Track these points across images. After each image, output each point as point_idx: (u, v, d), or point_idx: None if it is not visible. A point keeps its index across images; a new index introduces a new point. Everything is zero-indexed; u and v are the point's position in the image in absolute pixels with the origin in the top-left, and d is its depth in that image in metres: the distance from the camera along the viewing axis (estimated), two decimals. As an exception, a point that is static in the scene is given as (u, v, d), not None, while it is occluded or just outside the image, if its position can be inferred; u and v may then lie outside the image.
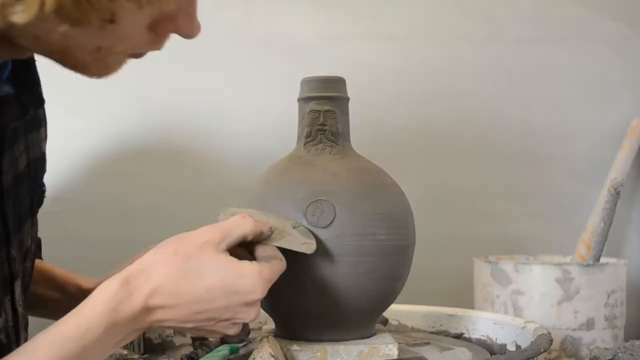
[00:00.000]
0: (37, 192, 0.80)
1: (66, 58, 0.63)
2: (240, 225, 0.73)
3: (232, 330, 0.71)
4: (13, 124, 0.71)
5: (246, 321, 0.70)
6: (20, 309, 0.77)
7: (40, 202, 0.82)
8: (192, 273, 0.67)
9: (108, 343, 0.65)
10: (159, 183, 1.39)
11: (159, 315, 0.66)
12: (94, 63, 0.64)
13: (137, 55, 0.67)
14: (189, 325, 0.68)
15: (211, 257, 0.68)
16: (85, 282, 0.97)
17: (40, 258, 0.93)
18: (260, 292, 0.69)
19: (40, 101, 0.76)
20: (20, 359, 0.60)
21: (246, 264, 0.69)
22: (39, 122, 0.79)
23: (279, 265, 0.73)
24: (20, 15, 0.54)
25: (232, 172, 1.39)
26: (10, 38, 0.60)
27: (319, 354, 0.82)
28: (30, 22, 0.55)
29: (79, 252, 1.32)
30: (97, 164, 1.36)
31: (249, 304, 0.69)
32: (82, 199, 1.35)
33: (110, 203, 1.37)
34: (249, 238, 0.73)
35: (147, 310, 0.66)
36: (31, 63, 0.74)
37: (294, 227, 0.79)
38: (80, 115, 1.35)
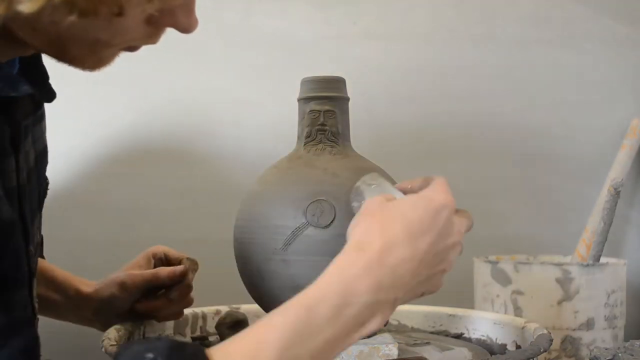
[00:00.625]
0: (42, 186, 0.80)
1: (62, 52, 0.62)
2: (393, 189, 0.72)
3: (452, 258, 0.67)
4: (26, 121, 0.71)
5: (461, 235, 0.68)
6: (36, 306, 0.77)
7: (45, 195, 0.82)
8: (400, 216, 0.64)
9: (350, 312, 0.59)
10: (158, 183, 1.39)
11: (397, 279, 0.62)
12: (89, 56, 0.63)
13: (132, 48, 0.66)
14: (420, 277, 0.64)
15: (400, 201, 0.67)
16: (85, 286, 0.96)
17: (42, 256, 0.93)
18: (451, 197, 0.66)
19: (52, 95, 0.74)
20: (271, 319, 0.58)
21: (427, 190, 0.67)
22: (41, 115, 0.79)
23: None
24: (27, 5, 0.53)
25: (232, 172, 1.39)
26: (9, 31, 0.60)
27: (319, 354, 0.81)
28: (37, 12, 0.54)
29: (79, 252, 1.32)
30: (98, 163, 1.36)
31: (452, 220, 0.66)
32: (82, 199, 1.35)
33: (110, 203, 1.37)
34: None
35: (386, 276, 0.61)
36: (38, 58, 0.73)
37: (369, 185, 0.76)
38: (80, 115, 1.35)
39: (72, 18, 0.56)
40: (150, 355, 0.51)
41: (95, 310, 0.95)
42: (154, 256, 0.99)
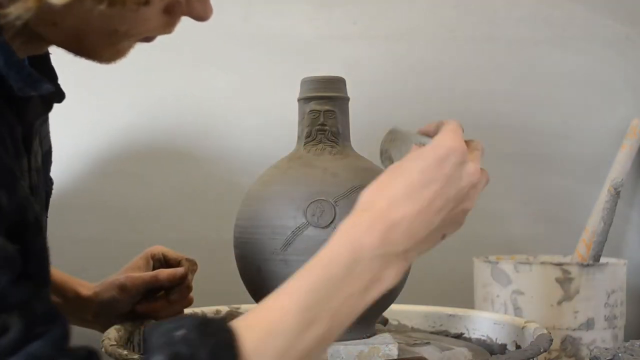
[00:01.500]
0: (48, 186, 0.80)
1: (80, 44, 0.62)
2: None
3: (469, 203, 0.67)
4: (38, 121, 0.71)
5: (473, 181, 0.67)
6: None
7: (50, 195, 0.82)
8: (400, 172, 0.65)
9: (363, 271, 0.60)
10: (159, 183, 1.39)
11: (403, 231, 0.62)
12: (107, 48, 0.63)
13: (148, 39, 0.66)
14: (433, 225, 0.64)
15: (407, 158, 0.67)
16: (84, 289, 0.96)
17: None
18: (460, 143, 0.67)
19: (62, 95, 0.74)
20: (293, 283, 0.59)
21: (436, 137, 0.68)
22: (47, 115, 0.79)
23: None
24: None
25: (232, 172, 1.39)
26: (25, 28, 0.59)
27: (319, 354, 0.81)
28: (68, 4, 0.54)
29: (79, 252, 1.32)
30: (97, 163, 1.36)
31: (463, 162, 0.66)
32: (82, 199, 1.35)
33: (110, 203, 1.37)
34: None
35: (391, 230, 0.62)
36: (47, 57, 0.73)
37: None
38: (80, 115, 1.35)
39: (101, 7, 0.57)
40: (180, 332, 0.53)
41: (95, 312, 0.96)
42: (153, 257, 0.99)
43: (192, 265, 0.97)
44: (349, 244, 0.61)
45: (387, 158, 0.75)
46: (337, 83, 0.91)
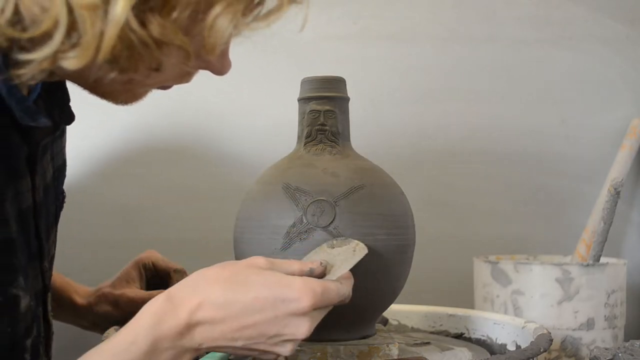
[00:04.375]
0: (58, 200, 0.81)
1: (97, 88, 0.64)
2: (286, 263, 0.71)
3: (285, 349, 0.67)
4: (44, 141, 0.71)
5: (297, 337, 0.67)
6: (51, 319, 0.78)
7: (61, 208, 0.82)
8: (238, 285, 0.65)
9: None
10: (159, 183, 1.39)
11: (205, 332, 0.64)
12: (123, 93, 0.65)
13: (165, 87, 0.67)
14: (239, 343, 0.65)
15: (257, 272, 0.67)
16: (80, 297, 0.97)
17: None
18: (306, 300, 0.65)
19: (71, 118, 0.76)
20: None
21: (293, 276, 0.67)
22: (62, 131, 0.80)
23: (333, 284, 0.69)
24: (71, 62, 0.55)
25: (233, 172, 1.39)
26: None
27: (319, 354, 0.82)
28: (80, 70, 0.56)
29: (79, 252, 1.32)
30: (97, 164, 1.36)
31: (297, 315, 0.65)
32: (82, 199, 1.35)
33: (110, 203, 1.37)
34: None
35: (192, 325, 0.64)
36: (62, 82, 0.74)
37: (332, 247, 0.78)
38: (81, 116, 1.34)
39: (113, 75, 0.58)
40: None
41: (92, 322, 0.97)
42: (144, 267, 0.99)
43: (182, 277, 0.97)
44: (152, 332, 0.62)
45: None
46: (337, 83, 0.91)
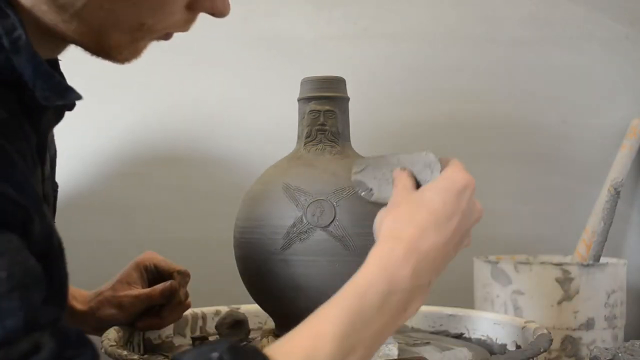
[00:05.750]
0: (55, 191, 0.80)
1: (102, 40, 0.62)
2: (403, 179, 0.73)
3: (469, 238, 0.70)
4: (51, 130, 0.70)
5: (481, 213, 0.70)
6: None
7: (56, 200, 0.82)
8: (422, 202, 0.67)
9: (393, 300, 0.62)
10: (159, 183, 1.39)
11: (429, 262, 0.64)
12: (127, 46, 0.63)
13: (167, 36, 0.67)
14: (450, 256, 0.67)
15: (420, 192, 0.69)
16: (79, 303, 0.95)
17: None
18: (472, 180, 0.69)
19: (73, 104, 0.75)
20: (314, 320, 0.61)
21: (447, 175, 0.70)
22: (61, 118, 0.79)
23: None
24: None
25: (233, 172, 1.39)
26: (45, 29, 0.59)
27: (319, 354, 0.81)
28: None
29: (79, 251, 1.32)
30: (98, 164, 1.36)
31: (473, 199, 0.69)
32: (83, 199, 1.35)
33: (110, 203, 1.37)
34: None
35: (421, 261, 0.64)
36: (57, 63, 0.72)
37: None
38: (81, 116, 1.34)
39: (125, 17, 0.58)
40: (215, 354, 0.53)
41: (94, 327, 0.95)
42: (145, 268, 0.98)
43: (184, 278, 0.97)
44: (385, 276, 0.62)
45: (365, 189, 0.76)
46: (337, 83, 0.91)
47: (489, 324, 1.02)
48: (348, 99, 0.92)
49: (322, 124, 0.89)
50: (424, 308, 1.10)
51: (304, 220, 0.82)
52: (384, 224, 0.67)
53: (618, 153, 1.44)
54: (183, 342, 1.02)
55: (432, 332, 1.08)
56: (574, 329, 1.17)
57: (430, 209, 0.66)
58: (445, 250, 0.66)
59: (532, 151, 1.49)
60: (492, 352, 0.98)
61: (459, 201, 0.67)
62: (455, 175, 0.69)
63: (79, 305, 0.95)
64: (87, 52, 0.64)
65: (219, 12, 0.67)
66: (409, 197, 0.69)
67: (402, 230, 0.65)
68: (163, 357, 0.89)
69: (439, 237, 0.65)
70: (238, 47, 1.41)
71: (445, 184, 0.68)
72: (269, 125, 1.40)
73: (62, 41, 0.64)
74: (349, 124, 0.92)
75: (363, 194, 0.75)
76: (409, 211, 0.67)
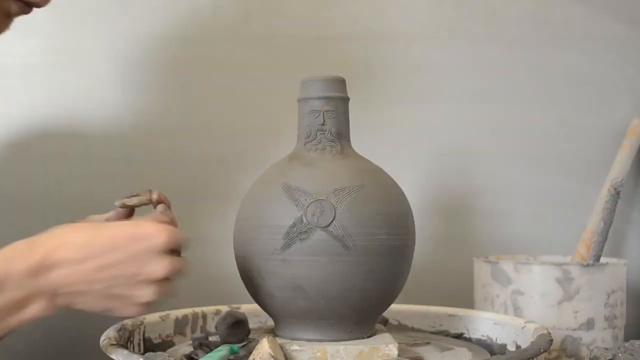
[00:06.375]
0: None
1: None
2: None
3: (146, 293, 0.67)
4: None
5: (157, 276, 0.67)
6: None
7: None
8: (96, 229, 0.67)
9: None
10: (159, 183, 1.38)
11: (63, 273, 0.64)
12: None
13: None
14: (99, 286, 0.66)
15: (115, 222, 0.73)
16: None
17: None
18: (165, 236, 0.67)
19: None
20: None
21: (146, 220, 0.72)
22: None
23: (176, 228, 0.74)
24: None
25: (232, 172, 1.39)
26: None
27: (319, 354, 0.82)
28: None
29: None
30: (98, 165, 1.36)
31: (155, 252, 0.67)
32: (84, 200, 1.35)
33: (110, 203, 1.37)
34: None
35: (49, 266, 0.64)
36: None
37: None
38: (82, 117, 1.35)
39: None
40: None
41: None
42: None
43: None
44: (1, 267, 0.62)
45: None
46: (337, 83, 0.91)
47: (489, 324, 1.03)
48: (348, 99, 0.92)
49: (322, 124, 0.89)
50: (424, 308, 1.10)
51: (304, 220, 0.82)
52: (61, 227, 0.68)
53: (618, 153, 1.44)
54: (183, 341, 1.02)
55: (432, 332, 1.08)
56: (574, 329, 1.17)
57: (93, 234, 0.66)
58: (88, 274, 0.65)
59: (531, 151, 1.49)
60: (492, 352, 0.98)
61: (130, 244, 0.66)
62: (152, 224, 0.68)
63: None
64: None
65: (37, 3, 0.69)
66: (99, 223, 0.71)
67: (48, 237, 0.65)
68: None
69: (82, 256, 0.64)
70: (237, 46, 1.41)
71: (136, 224, 0.69)
72: (269, 125, 1.40)
73: None
74: (349, 124, 0.92)
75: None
76: (74, 228, 0.67)
